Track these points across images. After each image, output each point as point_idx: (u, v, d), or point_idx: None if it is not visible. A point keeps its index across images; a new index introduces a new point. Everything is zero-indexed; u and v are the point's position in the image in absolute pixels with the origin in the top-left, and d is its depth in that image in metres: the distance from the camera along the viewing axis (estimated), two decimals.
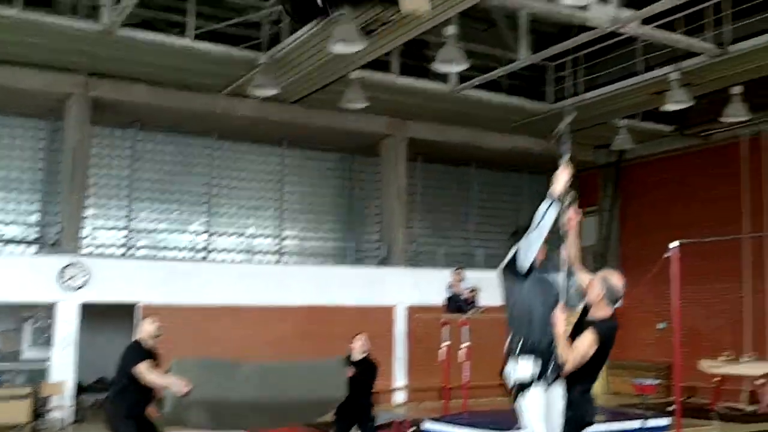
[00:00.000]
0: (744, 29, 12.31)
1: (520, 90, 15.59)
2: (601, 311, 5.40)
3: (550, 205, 5.19)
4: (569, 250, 5.47)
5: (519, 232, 5.43)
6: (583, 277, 5.58)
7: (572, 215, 5.48)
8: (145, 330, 7.60)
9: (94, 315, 13.56)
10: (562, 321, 5.19)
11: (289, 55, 12.33)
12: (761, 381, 13.62)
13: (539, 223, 5.16)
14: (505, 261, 5.46)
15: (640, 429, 10.88)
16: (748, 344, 15.10)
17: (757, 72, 13.08)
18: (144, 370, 7.11)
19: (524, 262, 5.27)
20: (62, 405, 12.71)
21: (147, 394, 7.35)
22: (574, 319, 5.55)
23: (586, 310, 5.52)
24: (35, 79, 13.25)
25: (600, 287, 5.37)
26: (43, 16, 11.49)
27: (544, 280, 5.39)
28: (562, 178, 5.31)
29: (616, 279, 5.42)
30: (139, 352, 7.37)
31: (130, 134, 15.50)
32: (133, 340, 7.67)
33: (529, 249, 5.23)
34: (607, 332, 5.31)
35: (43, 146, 14.79)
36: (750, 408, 13.87)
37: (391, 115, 16.20)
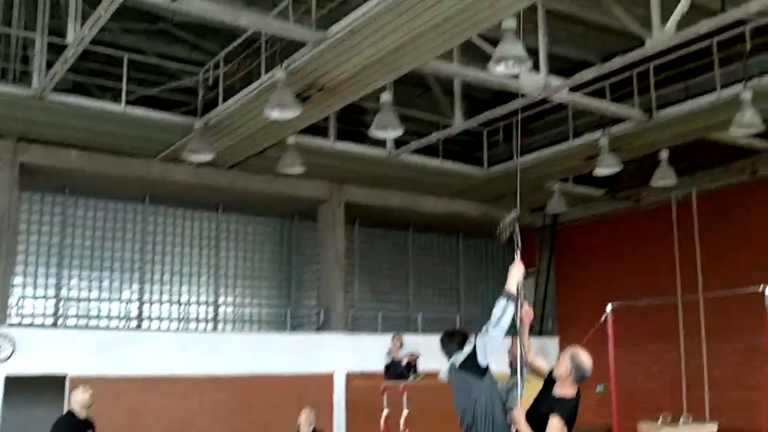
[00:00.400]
0: (670, 96, 12.75)
1: (457, 154, 15.81)
2: (566, 389, 5.30)
3: (507, 302, 5.13)
4: (523, 343, 5.44)
5: (454, 334, 5.43)
6: (539, 363, 5.54)
7: (526, 309, 5.46)
8: (77, 400, 7.21)
9: (21, 387, 13.01)
10: (522, 421, 5.11)
11: (225, 121, 12.28)
12: None
13: (499, 320, 5.11)
14: (461, 358, 5.33)
15: None
16: (685, 405, 15.24)
17: (683, 137, 13.51)
18: None
19: (485, 359, 5.16)
20: None
21: None
22: (534, 386, 5.48)
23: (549, 381, 5.43)
24: None
25: (568, 364, 5.27)
26: None
27: (495, 381, 5.32)
28: (515, 274, 5.26)
29: (585, 357, 5.32)
30: (70, 425, 6.97)
31: (60, 200, 15.17)
32: (65, 411, 7.22)
33: (490, 346, 5.15)
34: (572, 411, 5.22)
35: None
36: None
37: (329, 180, 16.20)
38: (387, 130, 11.95)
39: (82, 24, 9.62)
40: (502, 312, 5.10)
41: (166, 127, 12.73)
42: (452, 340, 5.41)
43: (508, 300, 5.13)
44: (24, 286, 14.70)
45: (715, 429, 14.15)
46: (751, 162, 15.13)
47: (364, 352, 15.71)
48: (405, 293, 19.11)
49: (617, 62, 10.74)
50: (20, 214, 14.30)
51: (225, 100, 12.06)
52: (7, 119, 12.40)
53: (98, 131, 12.89)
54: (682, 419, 14.17)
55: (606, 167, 13.53)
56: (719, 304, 15.04)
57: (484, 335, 5.17)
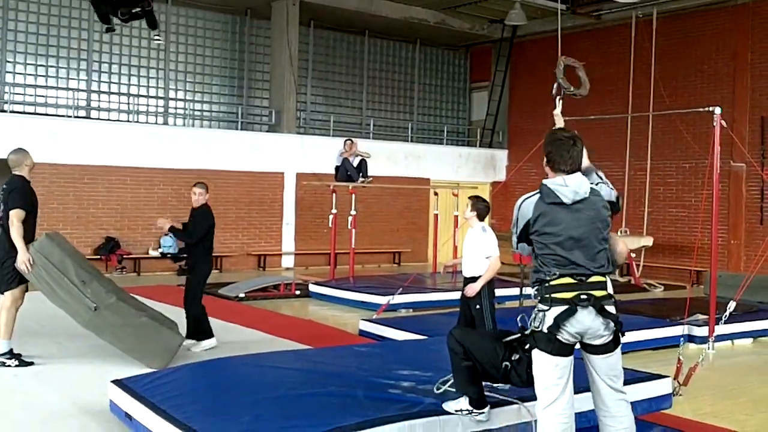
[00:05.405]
0: None
1: None
2: None
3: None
4: None
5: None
6: None
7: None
8: (30, 163, 6.92)
9: None
10: None
11: None
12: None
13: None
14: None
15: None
16: (625, 219, 15.81)
17: None
18: (17, 219, 6.55)
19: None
20: None
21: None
22: None
23: None
24: None
25: None
26: None
27: None
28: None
29: None
30: (29, 195, 6.72)
31: None
32: (18, 174, 6.85)
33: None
34: None
35: None
36: (623, 279, 14.65)
37: None
38: None
39: None
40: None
41: None
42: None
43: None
44: None
45: (651, 242, 14.86)
46: None
47: (315, 154, 15.83)
48: (358, 99, 18.97)
49: None
50: None
51: None
52: None
53: None
54: (619, 232, 14.80)
55: None
56: (669, 125, 15.31)
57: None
